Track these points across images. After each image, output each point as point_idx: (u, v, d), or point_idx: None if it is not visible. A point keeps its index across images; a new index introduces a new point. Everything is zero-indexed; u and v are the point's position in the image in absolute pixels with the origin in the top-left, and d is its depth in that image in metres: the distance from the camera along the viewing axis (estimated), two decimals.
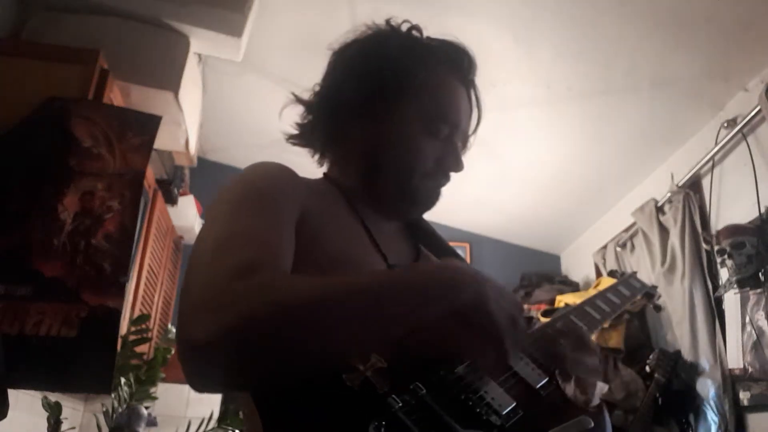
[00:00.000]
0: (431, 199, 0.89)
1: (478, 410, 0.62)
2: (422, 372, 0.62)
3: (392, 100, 0.85)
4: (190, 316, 0.56)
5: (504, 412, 0.63)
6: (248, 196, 0.73)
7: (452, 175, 0.90)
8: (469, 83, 0.92)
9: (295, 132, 0.94)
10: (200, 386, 0.57)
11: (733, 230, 2.18)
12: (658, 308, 1.22)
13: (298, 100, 0.93)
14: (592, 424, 0.64)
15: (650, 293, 1.28)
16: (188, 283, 0.61)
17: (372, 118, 0.85)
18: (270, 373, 0.55)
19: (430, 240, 0.99)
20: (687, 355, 2.40)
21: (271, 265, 0.62)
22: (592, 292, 3.04)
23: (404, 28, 0.90)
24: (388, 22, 0.91)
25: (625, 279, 1.22)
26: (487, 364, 0.68)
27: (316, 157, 0.94)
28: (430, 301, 0.62)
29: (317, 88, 0.92)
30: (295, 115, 0.95)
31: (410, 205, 0.89)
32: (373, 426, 0.53)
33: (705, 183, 2.50)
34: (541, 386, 0.72)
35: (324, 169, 0.95)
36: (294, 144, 0.94)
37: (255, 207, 0.70)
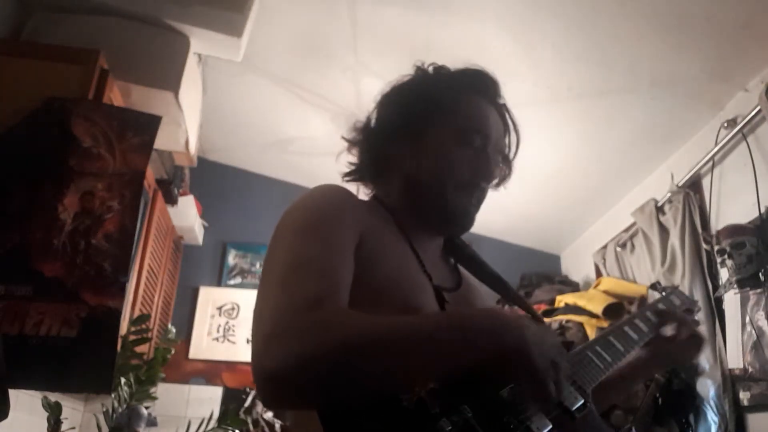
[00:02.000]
0: (466, 214, 0.93)
1: (518, 430, 0.66)
2: (469, 393, 0.67)
3: (428, 124, 0.94)
4: (261, 346, 0.63)
5: None
6: (312, 224, 0.78)
7: (487, 193, 0.98)
8: (496, 102, 0.99)
9: (348, 170, 1.02)
10: (272, 407, 0.68)
11: (733, 230, 2.18)
12: (696, 324, 1.23)
13: (348, 141, 1.01)
14: None
15: (690, 309, 1.26)
16: (259, 313, 0.68)
17: (412, 141, 0.94)
18: (329, 399, 0.61)
19: (472, 264, 1.04)
20: None
21: (335, 296, 0.69)
22: (592, 292, 3.05)
23: (431, 68, 1.00)
24: (418, 67, 1.00)
25: (667, 296, 1.22)
26: (529, 392, 0.71)
27: (368, 187, 1.01)
28: (474, 348, 0.67)
29: (359, 125, 1.01)
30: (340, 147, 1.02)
31: (446, 218, 0.93)
32: None
33: (705, 183, 2.49)
34: (576, 408, 0.75)
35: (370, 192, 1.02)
36: (349, 181, 1.02)
37: (319, 236, 0.76)
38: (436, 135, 0.93)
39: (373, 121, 0.99)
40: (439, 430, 0.60)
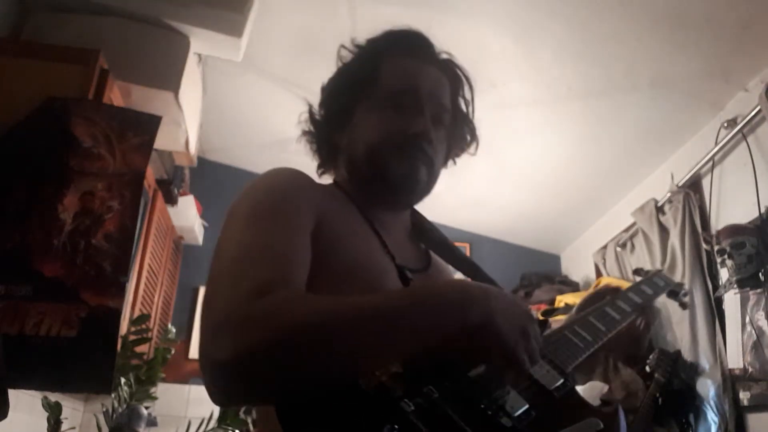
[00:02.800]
0: (410, 176, 0.87)
1: (490, 413, 0.62)
2: (436, 375, 0.63)
3: (356, 102, 0.91)
4: (210, 336, 0.59)
5: (516, 414, 0.63)
6: (264, 208, 0.74)
7: (441, 153, 0.91)
8: (430, 58, 0.94)
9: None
10: (222, 401, 0.60)
11: (733, 230, 2.18)
12: (684, 306, 1.20)
13: (304, 134, 1.00)
14: (602, 426, 0.65)
15: (675, 291, 1.23)
16: (208, 302, 0.64)
17: (347, 124, 0.92)
18: (287, 388, 0.58)
19: (442, 248, 1.00)
20: (687, 355, 2.40)
21: (288, 282, 0.65)
22: (592, 292, 3.05)
23: (355, 46, 0.97)
24: (342, 47, 0.98)
25: (650, 277, 1.18)
26: (502, 372, 0.68)
27: (331, 175, 0.99)
28: (439, 322, 0.63)
29: (310, 117, 0.99)
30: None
31: (392, 185, 0.88)
32: (386, 429, 0.55)
33: (705, 183, 2.49)
34: (555, 388, 0.72)
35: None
36: (321, 174, 0.99)
37: (271, 220, 0.72)
38: (364, 110, 0.90)
39: (318, 113, 0.97)
40: (399, 413, 0.57)
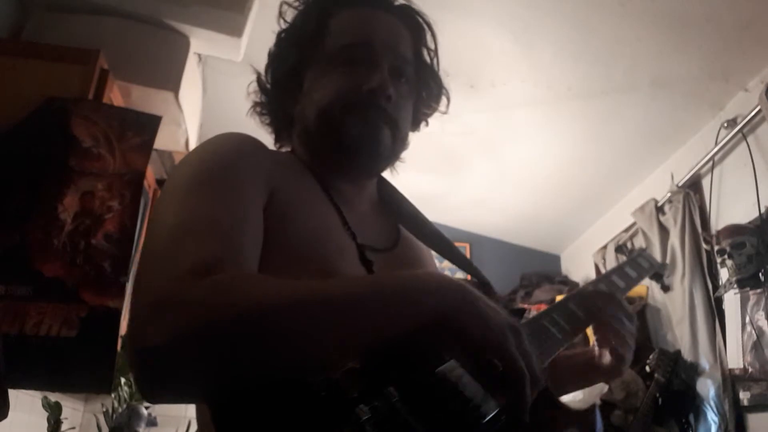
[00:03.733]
0: (368, 136, 0.77)
1: (456, 418, 0.53)
2: (399, 372, 0.53)
3: (305, 66, 0.82)
4: (142, 318, 0.51)
5: (486, 420, 0.54)
6: (208, 176, 0.64)
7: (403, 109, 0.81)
8: (384, 6, 0.83)
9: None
10: (151, 394, 0.52)
11: (733, 230, 2.18)
12: (666, 288, 1.18)
13: (255, 105, 0.91)
14: None
15: (659, 273, 1.16)
16: (140, 279, 0.55)
17: (298, 91, 0.83)
18: (226, 381, 0.50)
19: (413, 222, 0.89)
20: (687, 355, 2.40)
21: (232, 261, 0.56)
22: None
23: (297, 3, 0.87)
24: (284, 2, 0.89)
25: (633, 258, 1.08)
26: (474, 370, 0.57)
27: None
28: (407, 308, 0.55)
29: (258, 87, 0.90)
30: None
31: (348, 148, 0.78)
32: None
33: (705, 183, 2.49)
34: None
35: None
36: (279, 148, 0.91)
37: (215, 190, 0.63)
38: (312, 72, 0.80)
39: (267, 82, 0.87)
40: (354, 420, 0.48)
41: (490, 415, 0.54)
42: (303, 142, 0.83)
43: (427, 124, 0.93)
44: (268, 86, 0.87)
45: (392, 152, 0.81)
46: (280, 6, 0.87)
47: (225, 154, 0.69)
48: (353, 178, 0.83)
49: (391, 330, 0.54)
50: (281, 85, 0.84)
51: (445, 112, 0.92)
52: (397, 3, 0.84)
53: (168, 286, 0.52)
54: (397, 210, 0.90)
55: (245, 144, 0.72)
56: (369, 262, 0.74)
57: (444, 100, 0.91)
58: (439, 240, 0.87)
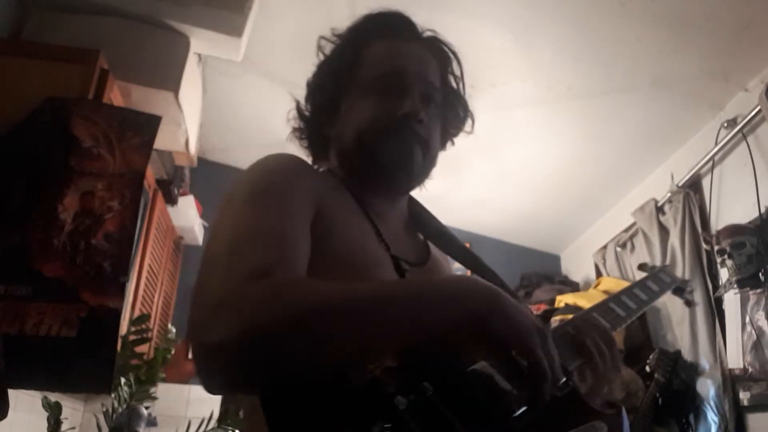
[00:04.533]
0: (402, 157, 0.85)
1: (488, 412, 0.59)
2: (432, 371, 0.59)
3: (342, 94, 0.89)
4: (205, 318, 0.56)
5: (515, 415, 0.60)
6: (264, 191, 0.72)
7: (433, 131, 0.88)
8: (413, 38, 0.91)
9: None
10: (212, 387, 0.58)
11: (733, 230, 2.18)
12: (689, 303, 1.18)
13: (294, 131, 0.98)
14: (606, 429, 0.63)
15: (681, 287, 1.19)
16: (202, 283, 0.61)
17: (336, 116, 0.90)
18: (282, 375, 0.55)
19: (441, 238, 0.97)
20: (687, 355, 2.40)
21: (287, 266, 0.62)
22: (592, 292, 3.05)
23: (334, 37, 0.95)
24: (322, 37, 0.97)
25: (655, 273, 1.14)
26: (503, 369, 0.62)
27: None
28: (443, 309, 0.60)
29: (298, 113, 0.97)
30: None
31: (383, 168, 0.86)
32: (377, 428, 0.52)
33: (705, 183, 2.49)
34: (557, 387, 0.67)
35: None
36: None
37: (271, 204, 0.70)
38: (350, 99, 0.88)
39: (305, 109, 0.96)
40: (391, 410, 0.53)
41: (519, 411, 0.59)
42: (340, 162, 0.90)
43: (453, 144, 1.00)
44: (307, 113, 0.95)
45: (423, 170, 0.89)
46: (318, 40, 0.96)
47: (279, 173, 0.76)
48: (387, 194, 0.90)
49: (428, 331, 0.59)
50: (320, 112, 0.93)
51: (470, 132, 1.00)
52: (425, 35, 0.92)
53: (228, 287, 0.58)
54: (426, 227, 0.97)
55: (296, 165, 0.79)
56: (403, 272, 0.81)
57: (469, 120, 0.99)
58: (467, 256, 0.95)
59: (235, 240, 0.64)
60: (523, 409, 0.60)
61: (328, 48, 0.95)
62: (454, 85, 0.95)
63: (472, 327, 0.60)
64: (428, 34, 0.93)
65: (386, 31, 0.91)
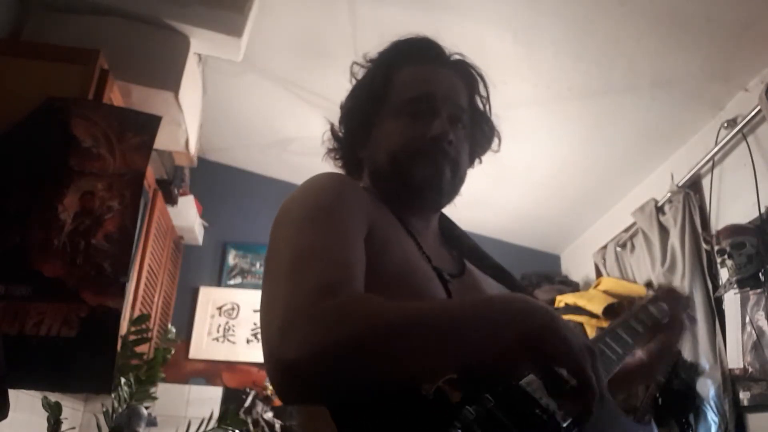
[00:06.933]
0: (433, 178, 0.89)
1: (542, 422, 0.62)
2: (490, 383, 0.62)
3: (374, 116, 0.94)
4: (277, 339, 0.60)
5: (565, 425, 0.63)
6: (321, 209, 0.75)
7: (461, 154, 0.92)
8: (442, 62, 0.96)
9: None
10: (290, 400, 0.61)
11: (733, 230, 2.18)
12: (691, 320, 1.17)
13: (329, 151, 1.03)
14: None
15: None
16: (269, 307, 0.65)
17: (368, 138, 0.95)
18: (353, 389, 0.58)
19: (474, 255, 1.01)
20: (687, 355, 2.40)
21: (351, 284, 0.66)
22: (592, 292, 3.05)
23: (367, 61, 1.00)
24: (354, 63, 1.01)
25: (644, 305, 1.16)
26: (549, 383, 0.65)
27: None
28: (504, 327, 0.63)
29: (332, 135, 1.02)
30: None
31: (416, 189, 0.90)
32: None
33: (705, 183, 2.49)
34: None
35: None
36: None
37: (330, 222, 0.73)
38: (382, 122, 0.93)
39: (339, 130, 1.01)
40: (462, 420, 0.57)
41: (567, 423, 0.62)
42: (374, 182, 0.94)
43: (480, 162, 1.06)
44: (341, 134, 1.00)
45: (453, 188, 0.94)
46: (351, 66, 1.00)
47: (333, 191, 0.79)
48: (421, 212, 0.95)
49: (492, 348, 0.62)
50: (353, 134, 0.98)
51: (497, 151, 1.05)
52: (452, 58, 0.97)
53: (298, 307, 0.61)
54: (458, 243, 1.02)
55: (346, 185, 0.83)
56: (446, 282, 0.85)
57: (496, 140, 1.04)
58: (499, 271, 0.99)
59: (300, 258, 0.68)
60: (570, 421, 0.63)
61: (361, 73, 0.99)
62: (480, 106, 1.00)
63: (529, 344, 0.63)
64: (456, 57, 0.97)
65: (415, 56, 0.95)
